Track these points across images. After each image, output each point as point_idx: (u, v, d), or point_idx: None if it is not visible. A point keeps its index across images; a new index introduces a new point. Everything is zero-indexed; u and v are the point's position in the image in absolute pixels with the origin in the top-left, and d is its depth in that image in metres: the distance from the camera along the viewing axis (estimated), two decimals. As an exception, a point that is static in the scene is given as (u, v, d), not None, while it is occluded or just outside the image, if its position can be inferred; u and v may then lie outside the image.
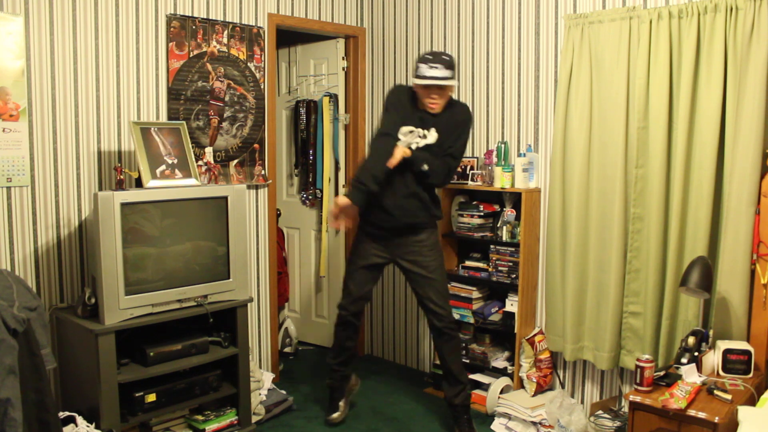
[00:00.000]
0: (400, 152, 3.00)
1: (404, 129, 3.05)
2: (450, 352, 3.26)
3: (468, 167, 3.73)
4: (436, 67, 2.95)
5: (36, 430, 2.21)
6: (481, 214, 3.62)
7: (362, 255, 3.26)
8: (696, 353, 2.60)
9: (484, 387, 3.58)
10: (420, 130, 3.07)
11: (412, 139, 3.05)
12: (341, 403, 3.45)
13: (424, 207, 3.14)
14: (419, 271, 3.19)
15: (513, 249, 3.48)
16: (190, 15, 3.47)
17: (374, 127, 4.37)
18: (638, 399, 2.43)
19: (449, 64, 2.99)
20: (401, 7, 4.15)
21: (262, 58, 3.80)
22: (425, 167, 3.03)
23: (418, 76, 3.00)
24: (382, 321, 4.45)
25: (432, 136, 3.07)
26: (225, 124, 3.65)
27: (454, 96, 3.86)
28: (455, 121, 3.12)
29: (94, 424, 2.72)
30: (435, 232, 3.25)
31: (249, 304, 3.37)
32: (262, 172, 3.83)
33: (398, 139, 3.04)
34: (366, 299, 3.36)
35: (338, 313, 3.36)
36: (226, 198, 3.11)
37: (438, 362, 3.67)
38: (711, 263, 2.71)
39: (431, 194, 3.18)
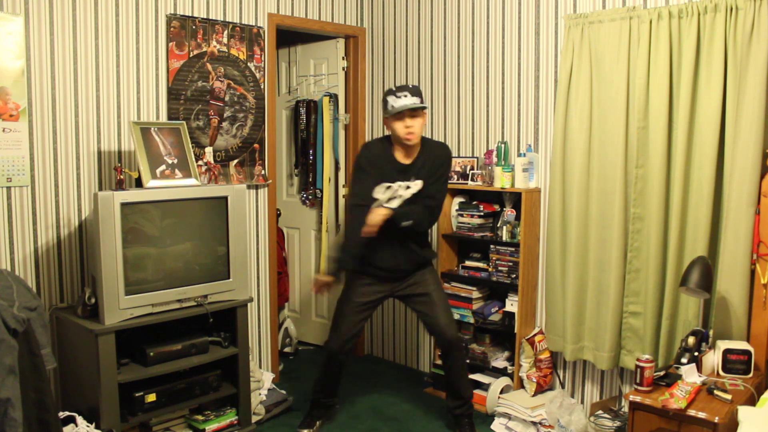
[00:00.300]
0: (378, 217, 2.90)
1: (379, 188, 2.96)
2: (457, 368, 3.25)
3: (468, 167, 3.73)
4: (404, 96, 2.96)
5: (36, 430, 2.21)
6: (481, 214, 3.62)
7: (360, 293, 3.17)
8: (696, 353, 2.60)
9: (484, 387, 3.58)
10: (401, 183, 2.99)
11: (391, 194, 2.96)
12: (318, 423, 3.38)
13: (416, 254, 3.13)
14: (422, 292, 3.17)
15: (513, 249, 3.48)
16: (190, 15, 3.47)
17: (374, 127, 4.38)
18: (638, 399, 2.43)
19: (416, 91, 2.99)
20: (401, 7, 4.15)
21: (262, 58, 3.80)
22: (407, 223, 2.97)
23: (388, 110, 2.99)
24: (382, 321, 4.45)
25: (416, 184, 3.00)
26: (225, 124, 3.65)
27: (445, 104, 3.89)
28: (436, 162, 3.08)
29: (94, 424, 2.72)
30: (432, 268, 3.28)
31: (249, 304, 3.37)
32: (262, 172, 3.83)
33: (374, 200, 2.96)
34: (357, 336, 3.24)
35: (327, 352, 3.26)
36: (226, 198, 3.11)
37: (441, 372, 3.67)
38: (711, 263, 2.71)
39: (420, 240, 3.16)
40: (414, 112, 2.98)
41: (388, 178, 3.01)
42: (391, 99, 2.98)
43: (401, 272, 3.15)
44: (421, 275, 3.18)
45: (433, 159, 3.08)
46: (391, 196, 2.96)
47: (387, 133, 3.13)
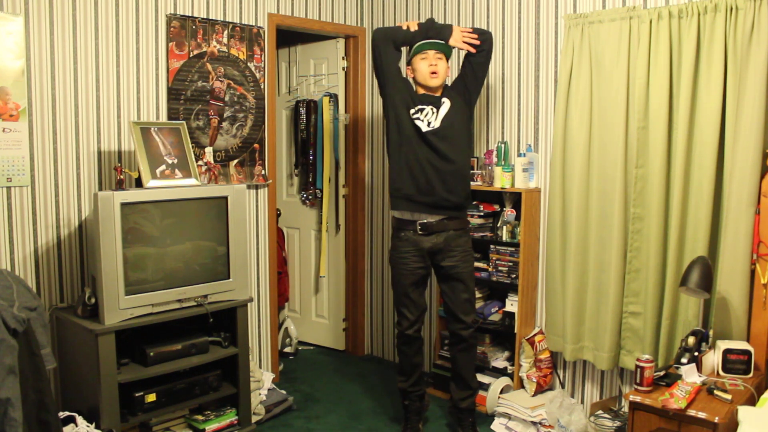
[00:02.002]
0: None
1: (411, 110, 3.07)
2: (467, 358, 3.23)
3: (468, 167, 3.73)
4: (431, 40, 3.08)
5: (36, 430, 2.21)
6: (481, 214, 3.62)
7: (405, 273, 3.13)
8: (696, 353, 2.60)
9: (484, 387, 3.58)
10: (428, 107, 3.07)
11: (424, 115, 3.06)
12: (420, 426, 3.31)
13: (462, 181, 3.12)
14: (456, 275, 3.13)
15: (513, 249, 3.48)
16: (190, 15, 3.47)
17: (374, 127, 4.37)
18: (638, 399, 2.43)
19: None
20: (401, 7, 4.15)
21: (262, 58, 3.80)
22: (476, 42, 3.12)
23: (414, 49, 3.09)
24: (382, 321, 4.45)
25: (445, 105, 3.07)
26: (225, 124, 3.65)
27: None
28: (456, 78, 3.21)
29: (94, 424, 2.72)
30: (468, 234, 3.23)
31: (249, 304, 3.37)
32: (262, 172, 3.83)
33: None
34: (424, 312, 3.23)
35: (399, 334, 3.23)
36: (226, 198, 3.11)
37: (448, 365, 3.67)
38: (711, 263, 2.71)
39: (463, 181, 3.13)
40: (439, 54, 3.07)
41: (414, 104, 3.08)
42: (415, 43, 3.09)
43: (439, 209, 3.06)
44: (464, 253, 3.13)
45: (454, 84, 3.20)
46: (424, 117, 3.05)
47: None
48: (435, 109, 3.06)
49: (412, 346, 3.22)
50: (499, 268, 3.55)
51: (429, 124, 3.04)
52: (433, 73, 3.06)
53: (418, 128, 3.04)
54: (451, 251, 3.10)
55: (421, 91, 3.13)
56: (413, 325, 3.18)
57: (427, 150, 3.03)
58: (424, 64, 3.07)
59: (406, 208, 3.10)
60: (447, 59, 3.14)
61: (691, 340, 2.62)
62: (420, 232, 3.07)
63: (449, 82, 3.26)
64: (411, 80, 3.18)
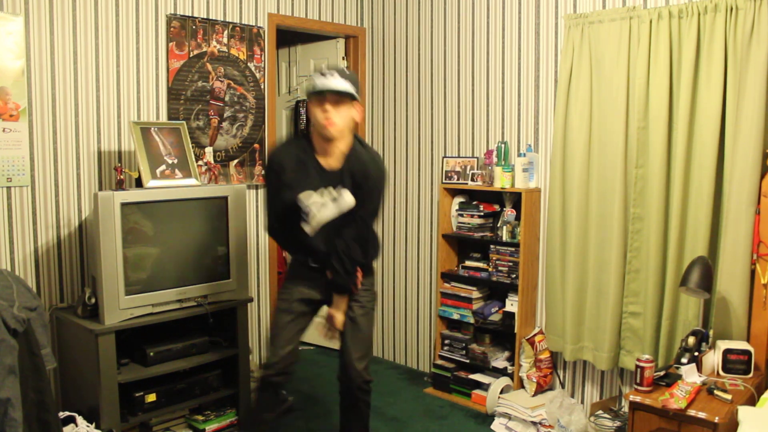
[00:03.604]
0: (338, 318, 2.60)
1: (305, 194, 2.47)
2: (358, 421, 2.74)
3: (468, 167, 3.73)
4: (332, 76, 2.42)
5: (36, 430, 2.21)
6: (481, 214, 3.62)
7: (296, 294, 2.66)
8: (696, 353, 2.60)
9: (484, 387, 3.58)
10: (326, 191, 2.49)
11: (322, 200, 2.48)
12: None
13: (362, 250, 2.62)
14: (348, 314, 2.67)
15: (513, 249, 3.48)
16: (190, 15, 3.47)
17: (374, 127, 4.38)
18: (638, 399, 2.43)
19: (349, 77, 2.45)
20: (401, 7, 4.15)
21: (262, 58, 3.80)
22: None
23: (308, 89, 2.49)
24: (382, 321, 4.45)
25: (346, 198, 2.47)
26: (225, 124, 3.65)
27: (445, 106, 3.88)
28: (359, 174, 2.51)
29: (94, 424, 2.72)
30: (372, 277, 2.77)
31: (249, 304, 3.36)
32: (262, 172, 3.83)
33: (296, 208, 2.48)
34: (297, 355, 2.68)
35: (262, 375, 2.68)
36: (226, 198, 3.11)
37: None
38: (711, 263, 2.71)
39: (368, 236, 2.64)
40: (339, 98, 2.42)
41: (311, 183, 2.49)
42: (316, 79, 2.43)
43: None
44: (362, 288, 2.67)
45: (357, 168, 2.51)
46: (323, 202, 2.47)
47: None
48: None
49: (269, 392, 2.73)
50: (499, 268, 3.55)
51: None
52: (327, 120, 2.45)
53: None
54: None
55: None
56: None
57: None
58: (318, 110, 2.47)
59: None
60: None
61: (691, 340, 2.62)
62: None
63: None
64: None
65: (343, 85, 2.42)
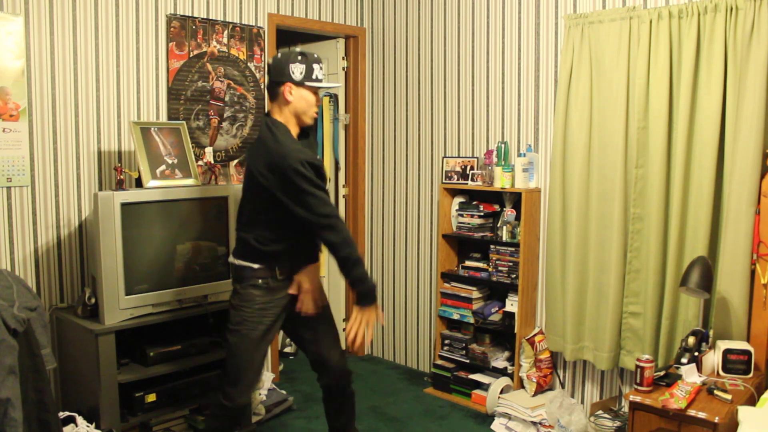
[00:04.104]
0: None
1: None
2: (349, 416, 2.73)
3: (468, 167, 3.73)
4: (323, 69, 2.52)
5: (36, 430, 2.21)
6: (481, 214, 3.62)
7: (265, 324, 2.50)
8: (696, 353, 2.60)
9: (484, 387, 3.58)
10: None
11: None
12: None
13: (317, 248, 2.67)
14: (310, 321, 2.61)
15: (513, 249, 3.48)
16: (190, 15, 3.47)
17: (374, 127, 4.37)
18: (638, 399, 2.43)
19: None
20: (401, 7, 4.15)
21: (262, 58, 3.80)
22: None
23: (315, 80, 2.45)
24: (382, 321, 4.45)
25: None
26: (225, 124, 3.65)
27: (456, 89, 3.89)
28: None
29: (94, 424, 2.72)
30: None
31: (249, 304, 3.36)
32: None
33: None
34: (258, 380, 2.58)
35: (225, 407, 2.51)
36: (226, 198, 3.11)
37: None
38: (711, 263, 2.71)
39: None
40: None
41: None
42: (316, 67, 2.45)
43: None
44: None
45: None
46: None
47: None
48: None
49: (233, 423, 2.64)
50: (499, 268, 3.55)
51: None
52: (316, 113, 2.53)
53: None
54: None
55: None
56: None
57: None
58: (313, 101, 2.49)
59: None
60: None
61: (691, 340, 2.62)
62: None
63: None
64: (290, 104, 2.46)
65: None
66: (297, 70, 2.42)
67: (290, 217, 2.38)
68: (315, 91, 2.48)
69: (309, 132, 2.60)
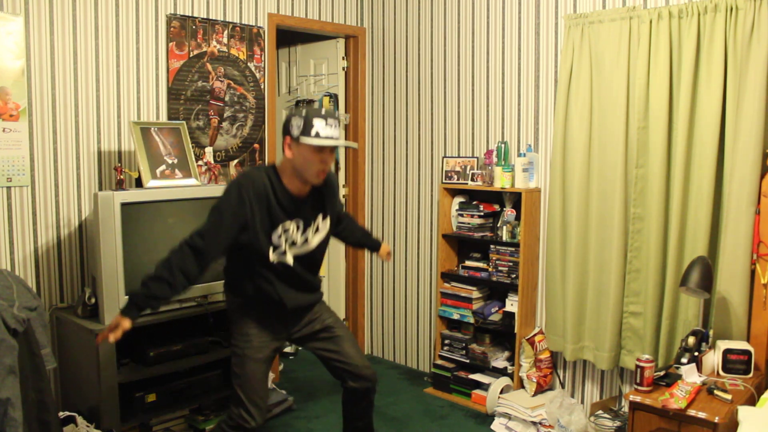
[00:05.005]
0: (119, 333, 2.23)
1: (276, 233, 2.36)
2: (371, 416, 2.72)
3: (468, 167, 3.73)
4: (334, 125, 2.31)
5: (36, 430, 2.21)
6: (481, 214, 3.62)
7: (258, 346, 2.46)
8: (696, 353, 2.60)
9: (484, 387, 3.58)
10: (302, 222, 2.42)
11: (298, 240, 2.42)
12: None
13: (312, 284, 2.60)
14: (321, 327, 2.60)
15: (513, 249, 3.48)
16: (190, 15, 3.47)
17: (374, 127, 4.37)
18: (638, 399, 2.43)
19: (337, 123, 2.36)
20: (401, 7, 4.15)
21: (262, 58, 3.80)
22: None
23: (313, 136, 2.25)
24: (382, 321, 4.45)
25: (325, 224, 2.51)
26: (225, 124, 3.65)
27: (441, 107, 3.89)
28: (328, 186, 2.51)
29: (94, 424, 2.72)
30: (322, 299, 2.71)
31: (249, 304, 3.36)
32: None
33: (262, 250, 2.36)
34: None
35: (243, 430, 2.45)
36: (226, 198, 3.10)
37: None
38: (711, 263, 2.71)
39: (316, 266, 2.62)
40: (334, 148, 2.37)
41: (285, 216, 2.37)
42: (318, 123, 2.26)
43: (300, 311, 2.56)
44: (315, 309, 2.63)
45: (326, 185, 2.49)
46: (291, 239, 2.40)
47: (287, 158, 2.34)
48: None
49: None
50: (499, 268, 3.55)
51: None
52: (323, 172, 2.37)
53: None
54: None
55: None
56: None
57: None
58: (316, 158, 2.31)
59: None
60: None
61: (691, 340, 2.62)
62: None
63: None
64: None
65: (344, 140, 2.34)
66: (295, 124, 2.28)
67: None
68: (315, 149, 2.27)
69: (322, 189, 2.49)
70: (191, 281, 2.28)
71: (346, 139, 4.43)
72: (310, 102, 2.57)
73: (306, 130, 2.26)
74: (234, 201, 2.29)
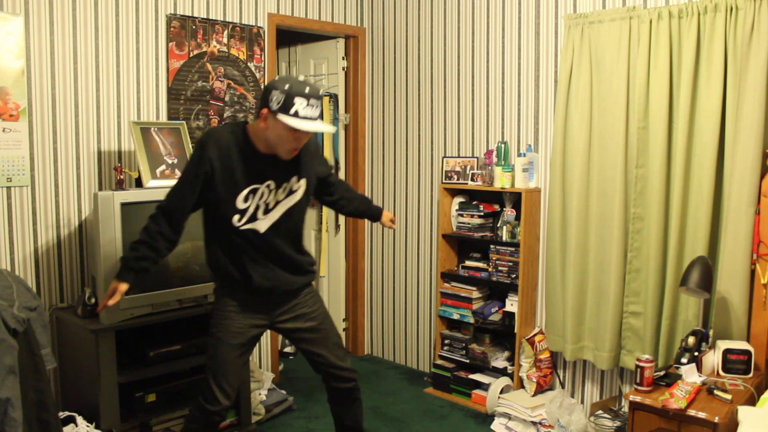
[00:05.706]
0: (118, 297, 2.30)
1: (242, 195, 2.30)
2: (358, 414, 2.72)
3: (468, 167, 3.73)
4: (315, 107, 2.21)
5: (36, 430, 2.21)
6: (481, 214, 3.62)
7: (232, 332, 2.40)
8: (696, 353, 2.60)
9: (484, 387, 3.58)
10: (273, 184, 2.34)
11: (259, 202, 2.33)
12: None
13: (297, 264, 2.47)
14: (309, 326, 2.52)
15: (513, 249, 3.48)
16: (190, 15, 3.47)
17: (374, 127, 4.37)
18: (638, 399, 2.43)
19: (320, 103, 2.26)
20: (401, 7, 4.15)
21: (262, 58, 3.80)
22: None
23: (292, 115, 2.17)
24: (382, 321, 4.45)
25: (299, 186, 2.41)
26: (225, 124, 3.65)
27: (441, 95, 3.89)
28: (304, 147, 2.39)
29: (94, 424, 2.72)
30: (312, 285, 2.62)
31: (249, 304, 3.35)
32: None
33: (227, 214, 2.31)
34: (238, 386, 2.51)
35: (206, 417, 2.44)
36: (226, 198, 3.10)
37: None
38: (711, 263, 2.71)
39: (298, 243, 2.50)
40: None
41: (254, 179, 2.31)
42: (299, 102, 2.17)
43: (281, 294, 2.46)
44: (303, 298, 2.51)
45: (306, 147, 2.41)
46: (261, 204, 2.33)
47: (267, 127, 2.26)
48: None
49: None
50: (499, 268, 3.55)
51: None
52: (295, 150, 2.32)
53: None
54: None
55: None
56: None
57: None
58: (289, 136, 2.24)
59: None
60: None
61: (691, 340, 2.62)
62: None
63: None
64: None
65: (326, 126, 2.31)
66: (275, 98, 2.18)
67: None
68: (289, 128, 2.20)
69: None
70: (171, 242, 2.36)
71: (345, 139, 4.43)
72: (290, 75, 2.36)
73: (285, 107, 2.17)
74: (195, 158, 2.29)
